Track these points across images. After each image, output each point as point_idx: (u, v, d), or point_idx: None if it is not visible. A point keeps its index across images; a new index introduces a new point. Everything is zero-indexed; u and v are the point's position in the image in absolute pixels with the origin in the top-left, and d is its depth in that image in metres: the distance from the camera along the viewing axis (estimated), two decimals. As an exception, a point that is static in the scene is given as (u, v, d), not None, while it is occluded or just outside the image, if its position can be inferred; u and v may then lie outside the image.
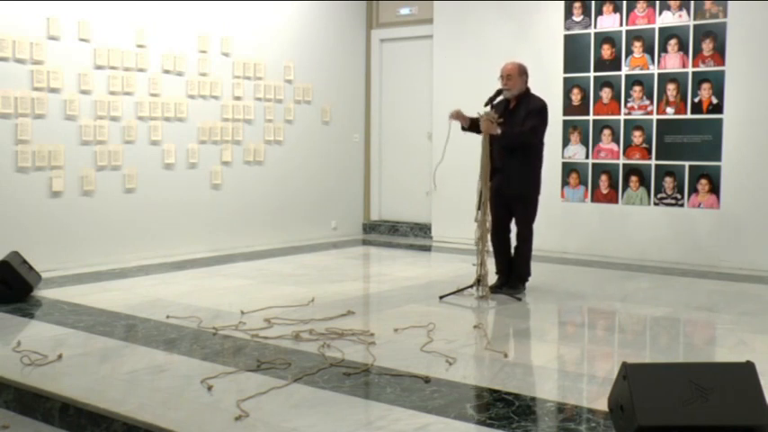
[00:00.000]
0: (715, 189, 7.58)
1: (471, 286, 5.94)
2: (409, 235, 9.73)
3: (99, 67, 7.31)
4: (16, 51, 6.77)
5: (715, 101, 7.56)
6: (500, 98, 6.05)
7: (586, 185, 8.27)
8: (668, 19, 7.79)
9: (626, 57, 8.02)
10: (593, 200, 8.25)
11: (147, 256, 7.66)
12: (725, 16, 7.48)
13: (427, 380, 3.88)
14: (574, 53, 8.31)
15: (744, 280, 6.90)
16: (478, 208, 5.88)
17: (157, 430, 3.27)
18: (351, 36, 9.85)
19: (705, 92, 7.60)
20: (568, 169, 8.36)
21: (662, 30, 7.82)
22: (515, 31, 8.68)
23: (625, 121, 8.04)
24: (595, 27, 8.19)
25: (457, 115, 6.05)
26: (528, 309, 5.79)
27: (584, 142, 8.27)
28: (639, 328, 5.37)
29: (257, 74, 8.67)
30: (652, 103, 7.89)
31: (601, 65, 8.17)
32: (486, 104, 5.96)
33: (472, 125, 6.06)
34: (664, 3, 7.79)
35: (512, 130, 5.87)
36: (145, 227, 7.71)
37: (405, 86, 9.89)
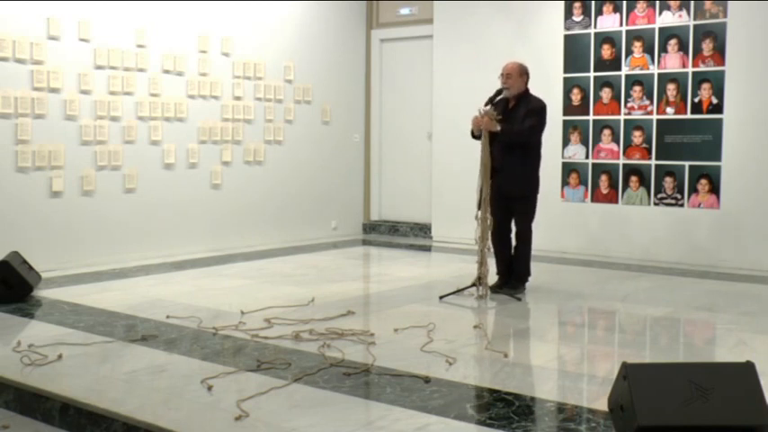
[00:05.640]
0: (715, 189, 7.57)
1: (471, 286, 5.94)
2: (409, 235, 9.73)
3: (99, 67, 7.31)
4: (16, 51, 6.77)
5: (715, 101, 7.56)
6: (500, 97, 6.07)
7: (586, 185, 8.27)
8: (668, 19, 7.79)
9: (626, 57, 8.02)
10: (593, 200, 8.25)
11: (147, 256, 7.66)
12: (725, 16, 7.48)
13: (427, 380, 3.88)
14: (574, 53, 8.31)
15: (744, 280, 6.90)
16: (479, 206, 5.89)
17: (157, 430, 3.27)
18: (351, 36, 9.85)
19: (705, 92, 7.60)
20: (568, 169, 8.36)
21: (662, 30, 7.82)
22: (515, 31, 8.68)
23: (625, 121, 8.04)
24: (595, 27, 8.19)
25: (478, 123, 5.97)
26: (528, 309, 5.79)
27: (585, 142, 8.27)
28: (639, 328, 5.37)
29: (257, 74, 8.67)
30: (652, 103, 7.89)
31: (601, 65, 8.17)
32: (487, 104, 5.98)
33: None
34: (664, 3, 7.79)
35: (511, 128, 5.89)
36: (145, 227, 7.71)
37: (405, 86, 9.89)
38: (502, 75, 6.06)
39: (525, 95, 6.07)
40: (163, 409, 3.47)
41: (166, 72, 7.83)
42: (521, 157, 5.99)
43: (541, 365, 4.28)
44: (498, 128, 5.83)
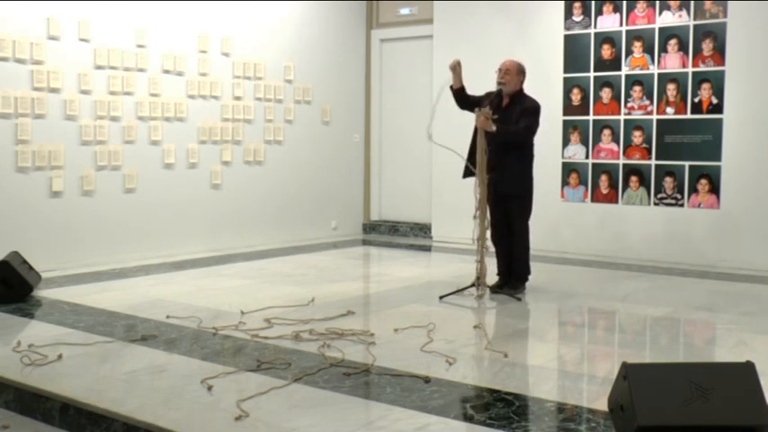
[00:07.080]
0: (715, 189, 7.58)
1: (471, 286, 5.94)
2: (409, 235, 9.73)
3: (99, 67, 7.31)
4: (16, 51, 6.77)
5: (715, 101, 7.56)
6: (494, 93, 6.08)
7: (586, 185, 8.27)
8: (668, 19, 7.79)
9: (626, 57, 8.02)
10: (593, 200, 8.25)
11: (147, 256, 7.66)
12: (725, 16, 7.48)
13: (427, 380, 3.88)
14: (574, 53, 8.31)
15: (744, 280, 6.90)
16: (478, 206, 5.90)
17: (157, 430, 3.27)
18: (351, 36, 9.85)
19: (705, 92, 7.61)
20: (568, 169, 8.36)
21: (662, 30, 7.82)
22: (515, 31, 8.68)
23: (625, 121, 8.04)
24: (595, 27, 8.19)
25: (456, 67, 6.05)
26: (528, 309, 5.79)
27: (585, 142, 8.27)
28: (639, 328, 5.37)
29: (257, 74, 8.67)
30: (652, 103, 7.89)
31: (601, 65, 8.17)
32: (487, 105, 5.99)
33: (461, 92, 6.11)
34: (664, 3, 7.79)
35: (506, 128, 5.88)
36: (145, 227, 7.71)
37: (405, 86, 9.89)
38: (500, 70, 6.05)
39: (520, 95, 6.07)
40: (163, 409, 3.47)
41: (166, 72, 7.83)
42: (517, 157, 5.99)
43: (541, 365, 4.28)
44: (494, 128, 5.82)
